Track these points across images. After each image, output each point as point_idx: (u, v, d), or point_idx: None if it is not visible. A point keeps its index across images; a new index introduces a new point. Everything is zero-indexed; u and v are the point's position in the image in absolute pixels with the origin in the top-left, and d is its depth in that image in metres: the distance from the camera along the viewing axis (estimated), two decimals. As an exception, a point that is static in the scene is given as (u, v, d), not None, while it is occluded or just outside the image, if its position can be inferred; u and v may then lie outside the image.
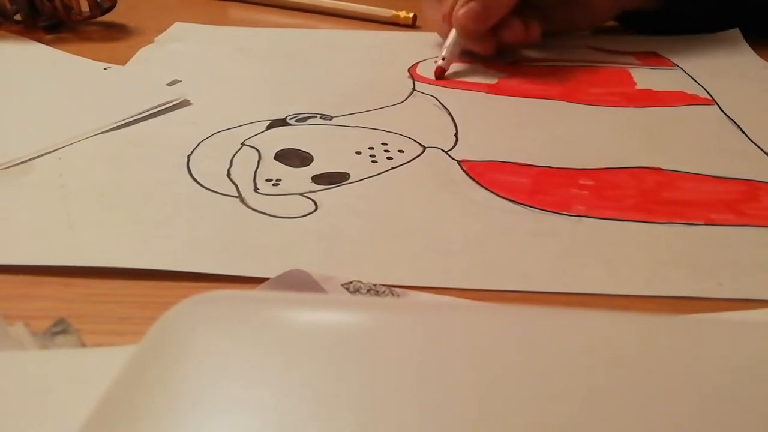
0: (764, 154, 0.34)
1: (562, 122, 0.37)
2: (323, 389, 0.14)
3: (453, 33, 0.45)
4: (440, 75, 0.44)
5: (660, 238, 0.27)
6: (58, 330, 0.21)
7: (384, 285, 0.23)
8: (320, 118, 0.38)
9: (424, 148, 0.34)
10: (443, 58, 0.44)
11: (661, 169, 0.32)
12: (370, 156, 0.33)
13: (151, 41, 0.50)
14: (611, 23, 0.55)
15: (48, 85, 0.42)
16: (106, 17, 0.54)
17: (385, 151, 0.34)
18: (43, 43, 0.49)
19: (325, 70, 0.45)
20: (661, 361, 0.15)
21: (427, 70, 0.45)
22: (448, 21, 0.45)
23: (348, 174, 0.31)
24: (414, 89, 0.42)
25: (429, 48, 0.49)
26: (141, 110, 0.37)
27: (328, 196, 0.30)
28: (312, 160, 0.33)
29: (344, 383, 0.14)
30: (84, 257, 0.25)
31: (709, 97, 0.41)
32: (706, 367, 0.15)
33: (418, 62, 0.46)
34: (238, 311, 0.16)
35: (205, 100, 0.39)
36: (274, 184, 0.30)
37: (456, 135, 0.36)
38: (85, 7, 0.52)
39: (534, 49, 0.49)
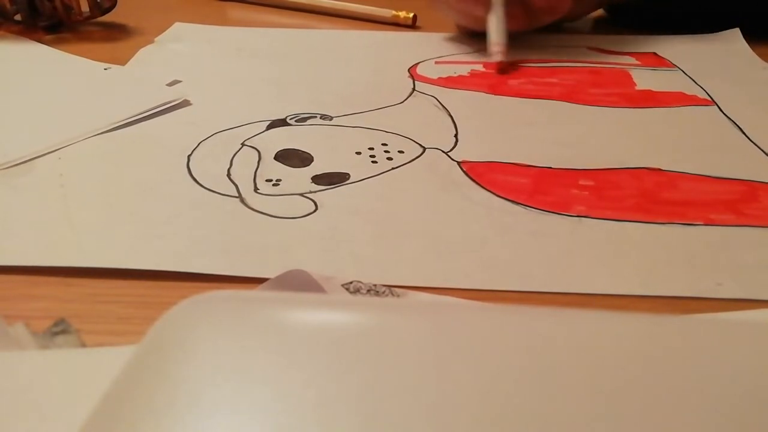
0: (764, 155, 0.34)
1: (562, 123, 0.37)
2: (323, 389, 0.14)
3: (497, 15, 0.45)
4: (505, 68, 0.44)
5: (660, 238, 0.27)
6: (58, 330, 0.21)
7: (384, 285, 0.23)
8: (320, 118, 0.38)
9: (424, 148, 0.34)
10: (496, 51, 0.44)
11: (661, 170, 0.32)
12: (370, 156, 0.33)
13: (151, 41, 0.50)
14: (600, 16, 0.55)
15: (48, 85, 0.42)
16: (106, 17, 0.54)
17: (385, 151, 0.34)
18: (43, 43, 0.49)
19: (325, 70, 0.45)
20: (661, 362, 0.15)
21: (428, 70, 0.45)
22: (483, 2, 0.45)
23: (348, 174, 0.31)
24: (414, 89, 0.42)
25: (429, 48, 0.49)
26: (141, 110, 0.37)
27: (328, 196, 0.30)
28: (312, 161, 0.33)
29: (344, 383, 0.14)
30: (84, 257, 0.25)
31: (709, 98, 0.41)
32: (706, 368, 0.15)
33: (418, 62, 0.46)
34: (238, 311, 0.16)
35: (205, 100, 0.39)
36: (274, 185, 0.30)
37: (456, 136, 0.36)
38: (85, 7, 0.52)
39: (534, 49, 0.49)
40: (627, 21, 0.55)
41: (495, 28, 0.45)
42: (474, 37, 0.50)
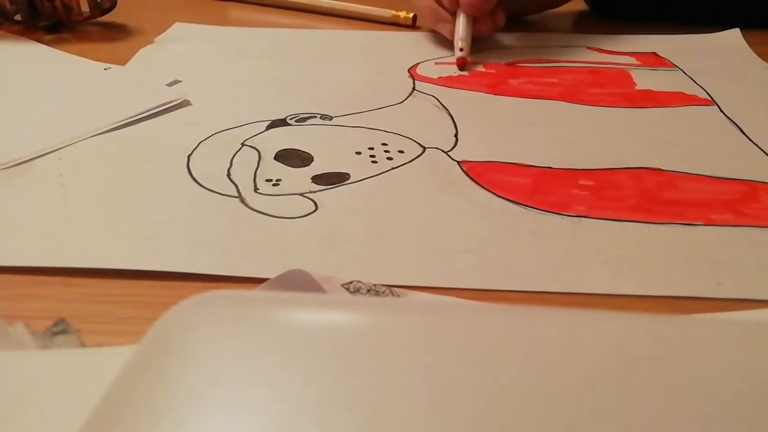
0: (764, 154, 0.34)
1: (562, 123, 0.37)
2: (323, 389, 0.14)
3: (463, 19, 0.47)
4: (464, 65, 0.45)
5: (660, 238, 0.27)
6: (58, 330, 0.21)
7: (384, 285, 0.23)
8: (320, 118, 0.38)
9: (424, 148, 0.34)
10: (461, 49, 0.46)
11: (661, 170, 0.32)
12: (370, 156, 0.33)
13: (151, 41, 0.50)
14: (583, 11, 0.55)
15: (48, 85, 0.42)
16: (106, 17, 0.54)
17: (385, 151, 0.34)
18: (43, 43, 0.49)
19: (325, 70, 0.45)
20: (661, 361, 0.15)
21: (428, 70, 0.45)
22: (453, 5, 0.47)
23: (348, 174, 0.31)
24: (414, 89, 0.42)
25: (429, 48, 0.49)
26: (141, 110, 0.37)
27: (328, 196, 0.30)
28: (312, 160, 0.33)
29: (344, 383, 0.14)
30: (84, 258, 0.25)
31: (709, 98, 0.41)
32: (706, 367, 0.15)
33: (418, 62, 0.46)
34: (238, 311, 0.16)
35: (205, 100, 0.39)
36: (274, 185, 0.30)
37: (456, 135, 0.36)
38: (85, 7, 0.52)
39: (534, 49, 0.49)
40: (610, 14, 0.56)
41: (461, 27, 0.46)
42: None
